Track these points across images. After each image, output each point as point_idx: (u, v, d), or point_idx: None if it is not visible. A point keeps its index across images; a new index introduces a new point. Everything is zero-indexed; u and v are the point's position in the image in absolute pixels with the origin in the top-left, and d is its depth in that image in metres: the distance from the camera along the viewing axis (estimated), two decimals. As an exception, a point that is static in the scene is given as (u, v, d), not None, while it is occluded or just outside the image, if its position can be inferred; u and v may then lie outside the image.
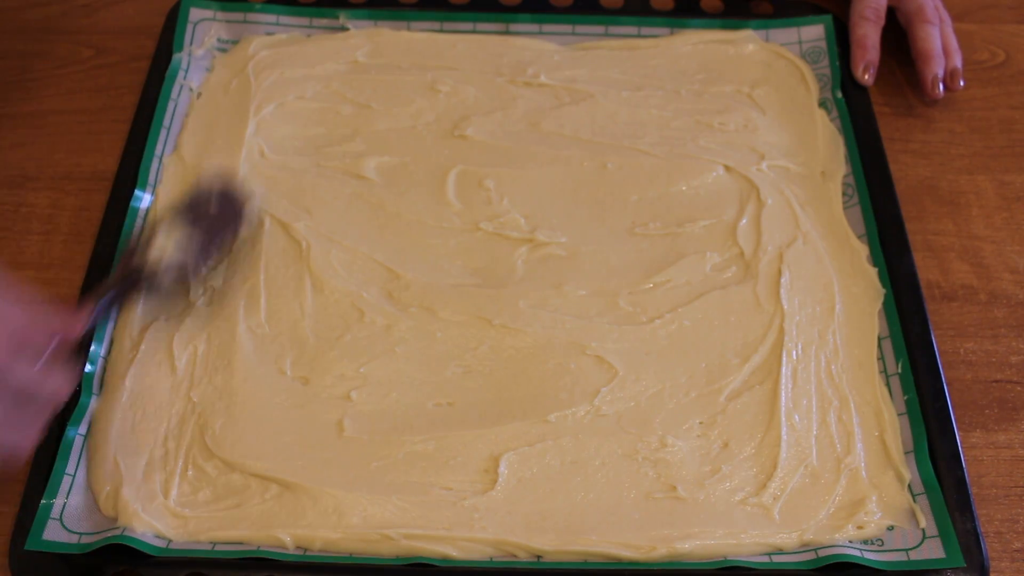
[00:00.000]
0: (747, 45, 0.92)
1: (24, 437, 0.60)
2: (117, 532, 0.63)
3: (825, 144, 0.86)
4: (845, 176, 0.83)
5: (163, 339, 0.72)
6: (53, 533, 0.64)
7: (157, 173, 0.82)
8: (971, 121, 0.90)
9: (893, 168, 0.84)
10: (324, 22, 0.92)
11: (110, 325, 0.73)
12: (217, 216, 0.75)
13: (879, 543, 0.65)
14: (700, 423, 0.70)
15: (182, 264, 0.72)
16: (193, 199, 0.75)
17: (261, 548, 0.64)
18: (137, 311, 0.74)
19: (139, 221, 0.79)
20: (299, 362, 0.72)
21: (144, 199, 0.80)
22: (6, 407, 0.57)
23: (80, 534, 0.64)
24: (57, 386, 0.61)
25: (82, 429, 0.68)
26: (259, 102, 0.86)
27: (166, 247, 0.72)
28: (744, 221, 0.80)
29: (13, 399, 0.58)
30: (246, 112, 0.85)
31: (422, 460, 0.68)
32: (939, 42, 0.90)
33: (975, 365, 0.75)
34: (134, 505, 0.65)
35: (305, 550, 0.64)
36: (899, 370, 0.72)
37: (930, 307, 0.76)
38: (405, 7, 0.93)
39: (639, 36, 0.93)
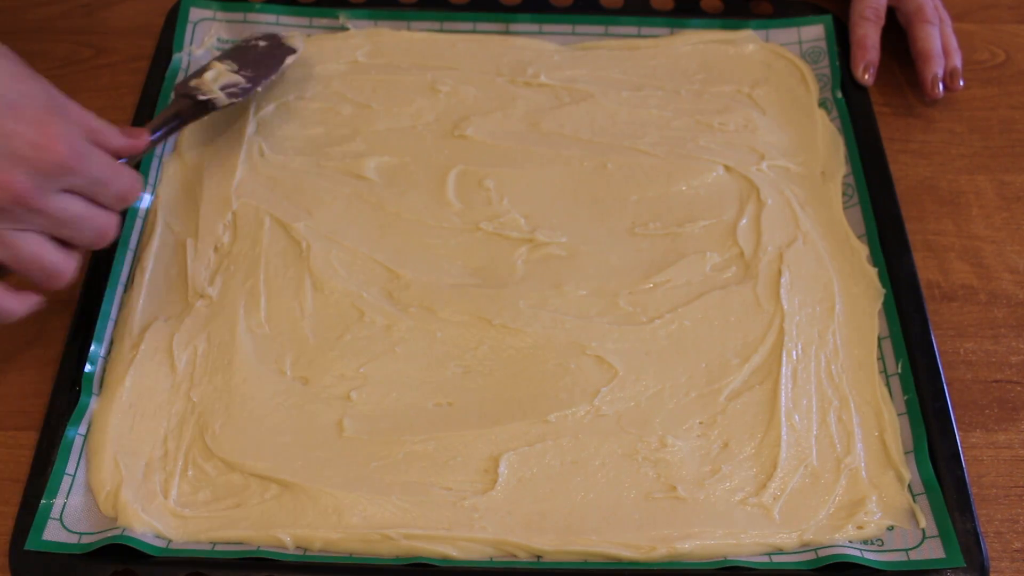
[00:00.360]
0: (747, 45, 0.92)
1: (108, 221, 0.66)
2: (117, 532, 0.63)
3: (825, 144, 0.86)
4: (845, 176, 0.83)
5: (163, 339, 0.72)
6: (53, 533, 0.64)
7: (157, 173, 0.82)
8: (971, 121, 0.90)
9: (893, 168, 0.84)
10: (324, 22, 0.92)
11: (110, 325, 0.73)
12: (264, 53, 0.84)
13: (879, 543, 0.65)
14: (700, 423, 0.70)
15: (235, 84, 0.80)
16: (243, 42, 0.85)
17: (261, 548, 0.64)
18: (138, 308, 0.74)
19: (139, 222, 0.79)
20: (299, 362, 0.72)
21: (144, 199, 0.80)
22: (89, 191, 0.63)
23: (80, 534, 0.64)
24: (130, 180, 0.66)
25: (82, 429, 0.68)
26: (259, 102, 0.86)
27: (222, 73, 0.80)
28: (744, 221, 0.80)
29: (92, 184, 0.63)
30: (247, 112, 0.85)
31: (422, 460, 0.68)
32: (939, 42, 0.90)
33: (975, 365, 0.75)
34: (134, 505, 0.65)
35: (305, 550, 0.64)
36: (899, 370, 0.72)
37: (930, 307, 0.76)
38: (405, 7, 0.93)
39: (639, 36, 0.93)
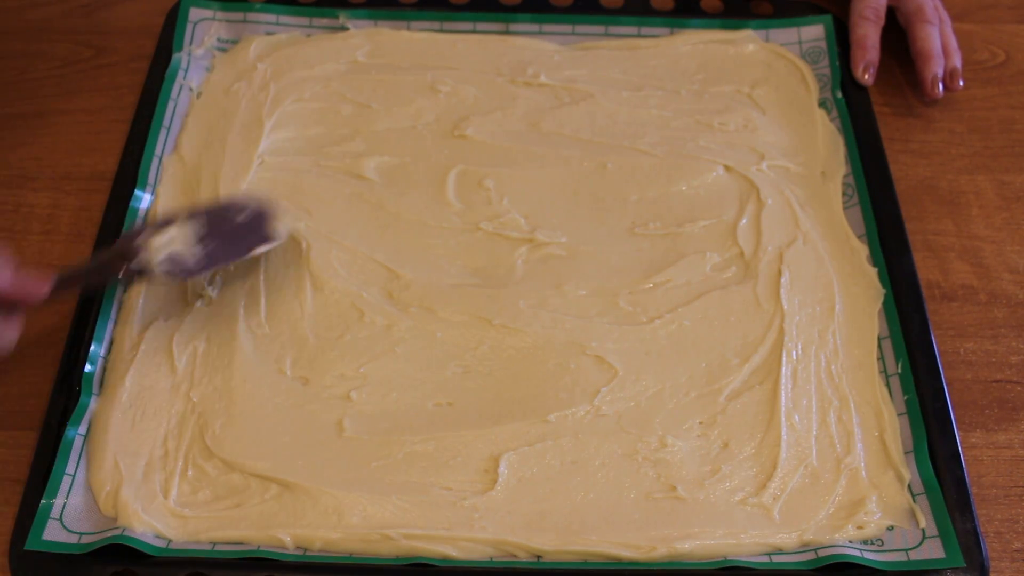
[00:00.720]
0: (747, 45, 0.92)
1: None
2: (117, 532, 0.63)
3: (825, 144, 0.86)
4: (845, 176, 0.83)
5: (163, 339, 0.72)
6: (53, 533, 0.64)
7: (157, 173, 0.82)
8: (971, 121, 0.90)
9: (893, 168, 0.84)
10: (324, 22, 0.92)
11: (110, 325, 0.73)
12: (239, 228, 0.73)
13: (879, 543, 0.65)
14: (700, 423, 0.70)
15: (180, 261, 0.70)
16: (223, 205, 0.74)
17: (261, 548, 0.64)
18: (138, 308, 0.74)
19: (139, 220, 0.79)
20: (299, 362, 0.72)
21: (144, 199, 0.80)
22: None
23: (80, 534, 0.64)
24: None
25: (82, 429, 0.68)
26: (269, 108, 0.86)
27: (175, 240, 0.70)
28: (744, 221, 0.80)
29: None
30: (258, 117, 0.85)
31: (422, 460, 0.68)
32: (939, 42, 0.90)
33: (975, 365, 0.75)
34: (134, 505, 0.65)
35: (305, 550, 0.64)
36: (899, 370, 0.72)
37: (930, 307, 0.76)
38: (405, 7, 0.93)
39: (639, 36, 0.93)
